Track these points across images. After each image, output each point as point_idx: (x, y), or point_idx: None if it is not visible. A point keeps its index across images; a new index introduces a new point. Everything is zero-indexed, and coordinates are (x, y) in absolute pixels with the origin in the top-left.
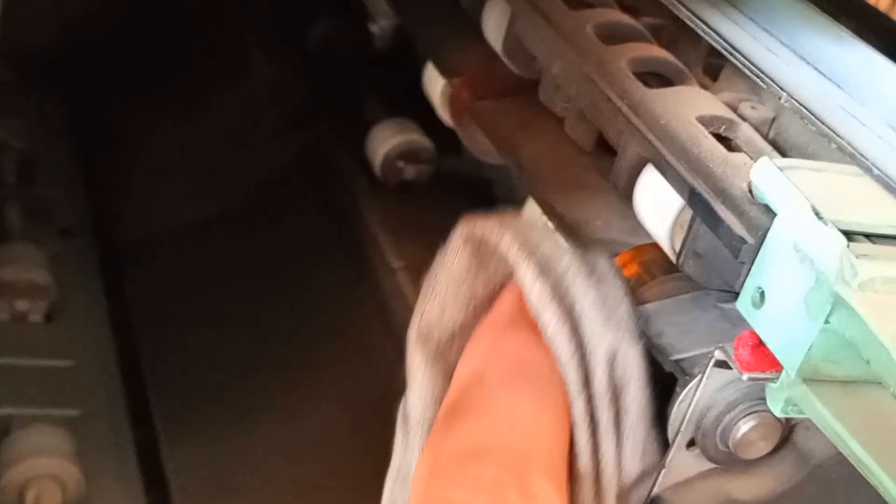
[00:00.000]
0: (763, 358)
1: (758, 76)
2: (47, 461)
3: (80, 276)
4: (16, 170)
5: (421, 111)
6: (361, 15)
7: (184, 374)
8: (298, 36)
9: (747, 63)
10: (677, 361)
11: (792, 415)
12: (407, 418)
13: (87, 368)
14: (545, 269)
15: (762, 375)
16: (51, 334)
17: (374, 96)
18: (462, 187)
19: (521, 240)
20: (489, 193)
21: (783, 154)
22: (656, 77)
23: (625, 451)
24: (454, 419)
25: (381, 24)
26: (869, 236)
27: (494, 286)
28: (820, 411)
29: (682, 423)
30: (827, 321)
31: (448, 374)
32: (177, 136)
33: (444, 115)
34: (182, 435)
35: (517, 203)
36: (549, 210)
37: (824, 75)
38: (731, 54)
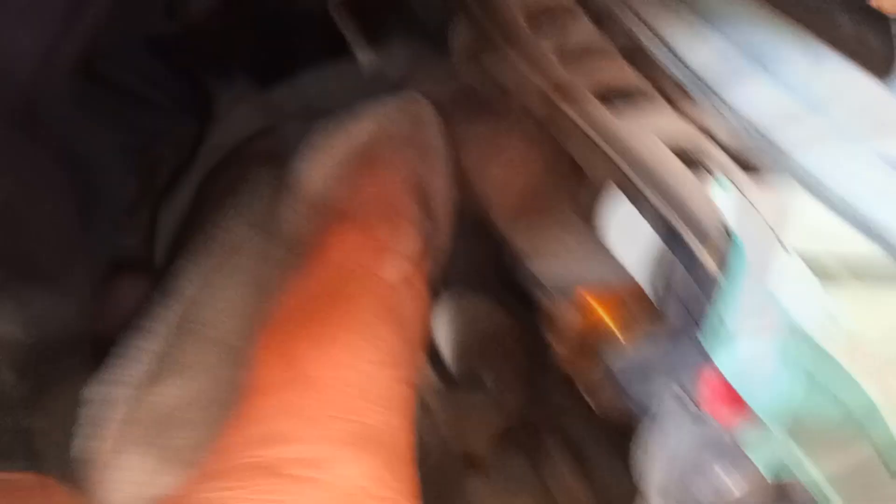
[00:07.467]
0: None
1: (718, 99)
2: None
3: None
4: None
5: None
6: None
7: None
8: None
9: (706, 88)
10: None
11: (786, 478)
12: None
13: None
14: None
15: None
16: None
17: None
18: None
19: None
20: None
21: (752, 173)
22: (620, 96)
23: None
24: None
25: None
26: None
27: None
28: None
29: None
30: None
31: None
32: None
33: None
34: None
35: None
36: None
37: (790, 94)
38: (688, 79)
